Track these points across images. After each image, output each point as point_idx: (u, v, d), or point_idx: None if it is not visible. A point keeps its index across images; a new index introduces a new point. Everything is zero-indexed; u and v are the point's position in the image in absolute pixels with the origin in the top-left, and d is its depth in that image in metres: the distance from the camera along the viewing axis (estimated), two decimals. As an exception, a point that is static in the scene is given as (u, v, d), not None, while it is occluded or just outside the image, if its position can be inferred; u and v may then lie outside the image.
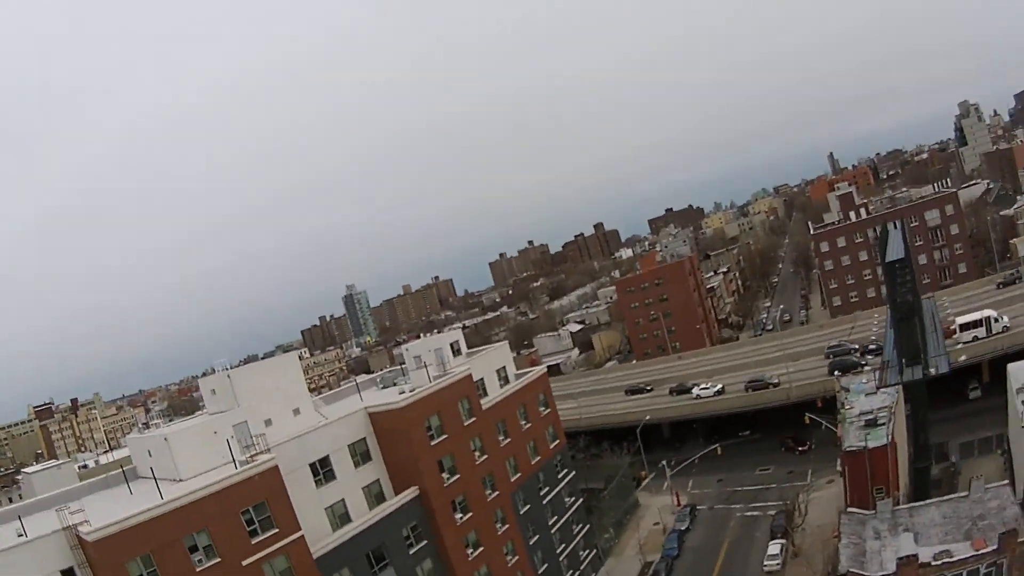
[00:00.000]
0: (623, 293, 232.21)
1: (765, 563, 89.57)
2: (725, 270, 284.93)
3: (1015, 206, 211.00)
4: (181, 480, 63.61)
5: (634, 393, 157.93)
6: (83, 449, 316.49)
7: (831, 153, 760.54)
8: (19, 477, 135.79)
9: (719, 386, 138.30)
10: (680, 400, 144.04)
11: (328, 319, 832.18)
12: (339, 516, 71.00)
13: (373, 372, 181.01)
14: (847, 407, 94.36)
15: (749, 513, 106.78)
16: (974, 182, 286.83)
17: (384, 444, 76.93)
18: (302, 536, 60.55)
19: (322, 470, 70.71)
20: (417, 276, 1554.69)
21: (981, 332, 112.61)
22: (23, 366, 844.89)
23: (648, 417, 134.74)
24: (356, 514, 71.96)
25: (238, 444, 64.90)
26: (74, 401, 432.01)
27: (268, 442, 64.82)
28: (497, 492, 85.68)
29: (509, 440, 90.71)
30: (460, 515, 79.17)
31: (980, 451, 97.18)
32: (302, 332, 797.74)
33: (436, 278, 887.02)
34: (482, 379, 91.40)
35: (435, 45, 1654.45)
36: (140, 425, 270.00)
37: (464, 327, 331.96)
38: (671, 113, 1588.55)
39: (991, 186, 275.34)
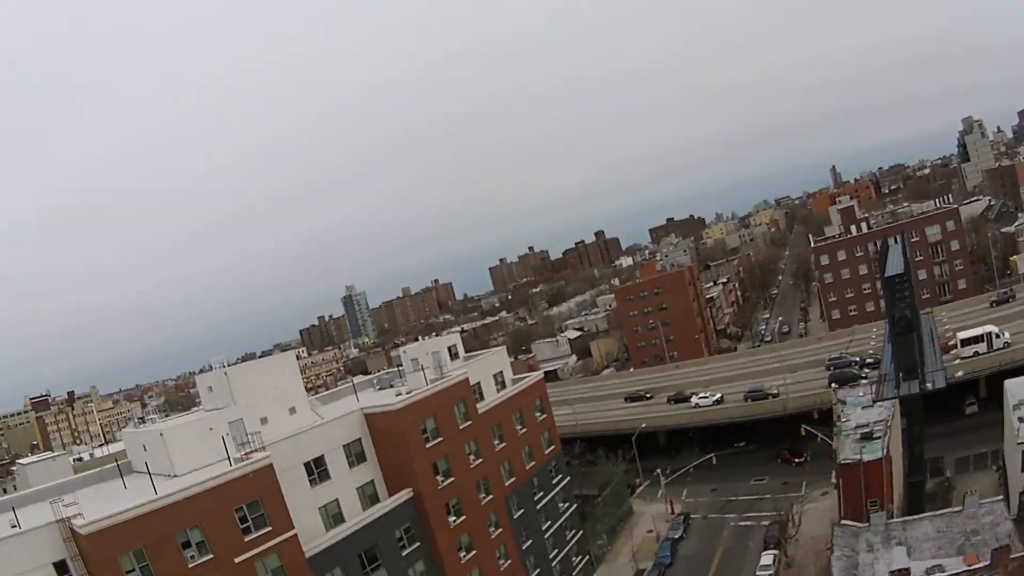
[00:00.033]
0: (622, 301, 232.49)
1: (758, 573, 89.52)
2: (725, 281, 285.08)
3: (1016, 223, 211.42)
4: (176, 476, 63.64)
5: (634, 400, 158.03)
6: (78, 442, 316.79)
7: (833, 166, 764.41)
8: (14, 468, 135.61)
9: (718, 395, 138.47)
10: (677, 408, 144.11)
11: (327, 319, 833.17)
12: (333, 516, 70.89)
13: (371, 373, 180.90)
14: (843, 420, 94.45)
15: (743, 523, 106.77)
16: (976, 198, 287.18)
17: (379, 445, 76.90)
18: (295, 535, 60.50)
19: (317, 470, 70.58)
20: (417, 279, 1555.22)
21: (982, 347, 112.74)
22: (21, 356, 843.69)
23: (644, 425, 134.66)
24: (350, 514, 71.83)
25: (233, 441, 64.90)
26: (71, 394, 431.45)
27: (263, 440, 64.82)
28: (491, 496, 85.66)
29: (504, 445, 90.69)
30: (454, 518, 79.11)
31: (975, 466, 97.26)
32: (300, 331, 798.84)
33: (436, 281, 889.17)
34: (479, 383, 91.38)
35: (435, 46, 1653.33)
36: (136, 420, 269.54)
37: (463, 331, 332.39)
38: (674, 121, 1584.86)
39: (993, 203, 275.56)
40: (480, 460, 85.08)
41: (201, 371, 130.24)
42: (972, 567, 58.31)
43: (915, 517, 70.99)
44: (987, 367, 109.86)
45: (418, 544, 74.85)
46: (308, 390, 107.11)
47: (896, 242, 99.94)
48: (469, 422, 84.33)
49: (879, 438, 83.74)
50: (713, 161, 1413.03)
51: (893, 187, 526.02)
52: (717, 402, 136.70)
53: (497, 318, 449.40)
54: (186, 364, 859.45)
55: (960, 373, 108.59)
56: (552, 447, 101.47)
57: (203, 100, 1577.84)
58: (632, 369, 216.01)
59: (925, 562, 61.51)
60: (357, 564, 68.37)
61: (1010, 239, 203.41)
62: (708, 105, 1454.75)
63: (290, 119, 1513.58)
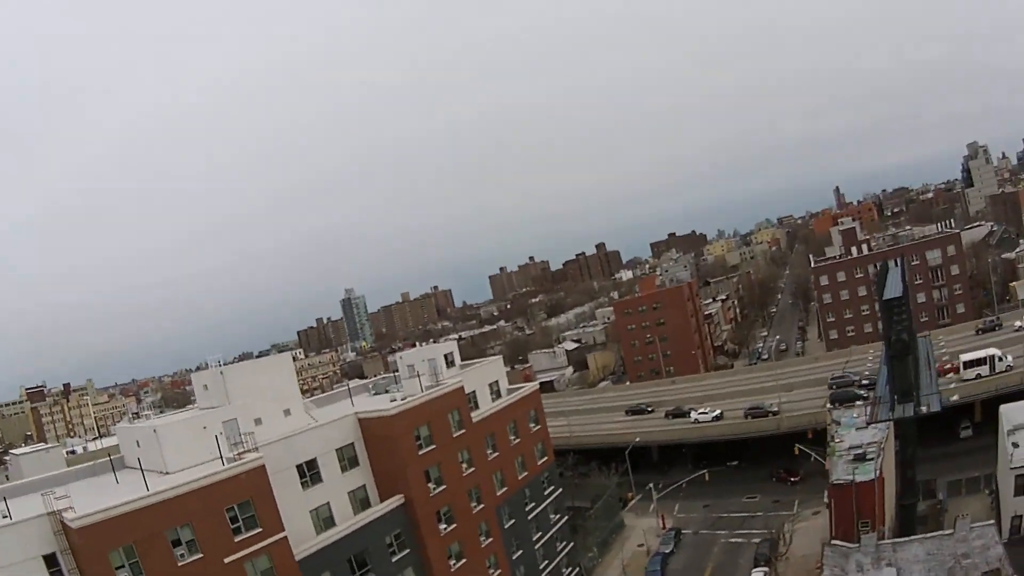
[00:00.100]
0: (621, 314, 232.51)
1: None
2: (724, 297, 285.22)
3: (1017, 250, 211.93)
4: (168, 473, 63.59)
5: (635, 413, 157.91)
6: (72, 434, 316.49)
7: (837, 187, 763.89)
8: (7, 458, 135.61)
9: (718, 411, 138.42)
10: (673, 423, 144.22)
11: (325, 321, 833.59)
12: (323, 519, 70.76)
13: (367, 378, 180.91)
14: (837, 440, 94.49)
15: (734, 539, 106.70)
16: (978, 224, 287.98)
17: (372, 450, 76.86)
18: (285, 537, 60.43)
19: (309, 472, 70.50)
20: (416, 284, 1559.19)
21: (984, 370, 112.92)
22: (19, 347, 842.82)
23: (638, 439, 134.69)
24: (341, 518, 71.75)
25: (227, 441, 64.88)
26: (66, 386, 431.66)
27: (257, 441, 64.71)
28: (483, 505, 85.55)
29: (497, 454, 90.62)
30: (444, 526, 79.02)
31: (968, 490, 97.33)
32: (298, 333, 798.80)
33: (435, 288, 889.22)
34: (474, 392, 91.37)
35: (436, 46, 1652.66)
36: (130, 415, 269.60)
37: (460, 338, 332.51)
38: (677, 136, 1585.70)
39: (994, 229, 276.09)
40: (473, 469, 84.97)
41: (198, 368, 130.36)
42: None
43: (906, 539, 71.04)
44: (983, 391, 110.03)
45: (408, 551, 74.70)
46: (304, 392, 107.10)
47: (896, 265, 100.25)
48: (463, 430, 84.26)
49: (872, 459, 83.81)
50: (717, 177, 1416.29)
51: (896, 210, 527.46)
52: (717, 418, 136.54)
53: (495, 327, 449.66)
54: (183, 361, 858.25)
55: (955, 397, 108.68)
56: (545, 458, 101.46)
57: (203, 100, 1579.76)
58: (628, 383, 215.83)
59: (914, 585, 61.59)
60: (347, 568, 68.23)
61: (1010, 265, 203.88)
62: (712, 118, 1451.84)
63: (290, 119, 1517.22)
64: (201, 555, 54.16)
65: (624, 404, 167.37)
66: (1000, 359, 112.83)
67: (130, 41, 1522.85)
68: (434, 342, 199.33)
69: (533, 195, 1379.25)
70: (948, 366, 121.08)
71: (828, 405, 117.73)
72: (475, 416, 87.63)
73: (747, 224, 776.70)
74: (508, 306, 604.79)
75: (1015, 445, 76.86)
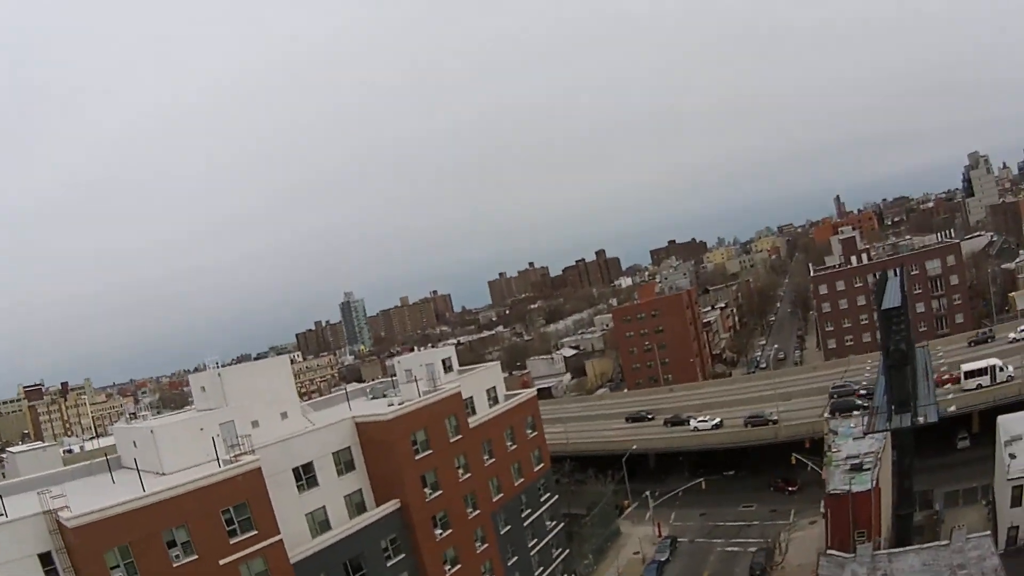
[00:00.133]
0: (619, 321, 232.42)
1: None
2: (723, 306, 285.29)
3: (1016, 260, 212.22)
4: (164, 474, 63.62)
5: (636, 420, 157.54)
6: (70, 433, 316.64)
7: (838, 196, 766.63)
8: (3, 456, 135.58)
9: (717, 419, 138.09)
10: (671, 431, 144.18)
11: (324, 324, 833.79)
12: (319, 523, 70.77)
13: (365, 381, 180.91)
14: (834, 450, 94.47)
15: (730, 548, 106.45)
16: (978, 234, 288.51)
17: (369, 455, 76.86)
18: (281, 540, 60.46)
19: (305, 476, 70.52)
20: (416, 287, 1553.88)
21: (985, 380, 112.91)
22: (19, 343, 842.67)
23: (635, 447, 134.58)
24: (336, 522, 71.77)
25: (223, 443, 64.88)
26: (64, 384, 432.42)
27: (253, 443, 64.74)
28: (478, 511, 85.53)
29: (494, 460, 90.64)
30: (440, 531, 79.00)
31: (965, 500, 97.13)
32: (297, 335, 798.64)
33: (434, 292, 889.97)
34: (471, 397, 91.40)
35: (437, 47, 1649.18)
36: (128, 415, 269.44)
37: (458, 343, 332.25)
38: (678, 143, 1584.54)
39: (994, 239, 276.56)
40: (469, 475, 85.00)
41: (196, 370, 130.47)
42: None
43: (902, 550, 70.99)
44: (981, 402, 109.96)
45: (403, 555, 74.70)
46: (301, 395, 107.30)
47: (895, 275, 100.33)
48: (460, 436, 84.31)
49: (869, 469, 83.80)
50: (718, 185, 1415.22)
51: (896, 219, 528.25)
52: (716, 426, 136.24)
53: (494, 332, 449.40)
54: (182, 362, 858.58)
55: (952, 408, 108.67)
56: (542, 465, 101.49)
57: (203, 100, 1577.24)
58: (626, 390, 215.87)
59: (909, 595, 61.55)
60: (342, 572, 68.24)
61: (1010, 275, 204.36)
62: (713, 125, 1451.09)
63: (290, 119, 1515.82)
64: (196, 556, 54.18)
65: (622, 411, 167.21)
66: (1001, 369, 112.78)
67: (129, 41, 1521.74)
68: (432, 347, 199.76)
69: (533, 200, 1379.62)
70: (947, 376, 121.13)
71: (826, 415, 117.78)
72: (472, 422, 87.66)
73: (747, 232, 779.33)
74: (507, 311, 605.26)
75: (1012, 456, 76.89)
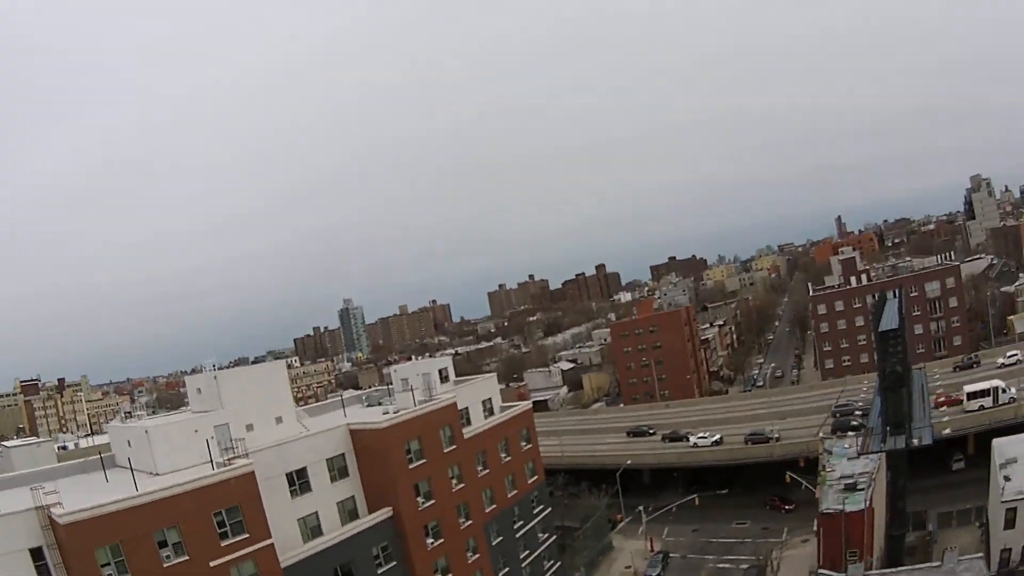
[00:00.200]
0: (617, 336, 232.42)
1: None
2: (721, 323, 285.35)
3: (1016, 283, 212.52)
4: (157, 474, 63.65)
5: (637, 435, 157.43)
6: (65, 430, 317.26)
7: (839, 216, 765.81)
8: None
9: (717, 436, 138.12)
10: (667, 447, 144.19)
11: (322, 330, 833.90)
12: (311, 528, 70.78)
13: (362, 389, 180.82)
14: (828, 469, 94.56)
15: (722, 565, 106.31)
16: (978, 256, 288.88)
17: (362, 462, 76.89)
18: (272, 544, 60.38)
19: (298, 481, 70.59)
20: (415, 296, 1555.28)
21: (988, 402, 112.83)
22: (17, 338, 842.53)
23: (629, 462, 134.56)
24: (328, 528, 71.76)
25: (218, 446, 64.90)
26: (61, 381, 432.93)
27: (247, 447, 64.82)
28: (471, 521, 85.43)
29: (488, 471, 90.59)
30: (432, 540, 78.92)
31: (959, 522, 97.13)
32: (295, 340, 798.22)
33: (433, 302, 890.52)
34: (467, 408, 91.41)
35: (438, 47, 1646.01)
36: (123, 414, 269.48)
37: (456, 354, 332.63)
38: (680, 158, 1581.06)
39: (994, 262, 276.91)
40: (462, 485, 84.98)
41: (193, 371, 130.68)
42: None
43: (893, 570, 71.00)
44: (976, 425, 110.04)
45: (394, 563, 74.58)
46: (298, 400, 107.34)
47: (894, 296, 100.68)
48: (454, 446, 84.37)
49: (863, 490, 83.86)
50: (720, 202, 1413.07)
51: (897, 240, 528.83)
52: (716, 443, 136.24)
53: (492, 344, 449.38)
54: (181, 362, 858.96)
55: (947, 431, 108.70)
56: (535, 477, 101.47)
57: (203, 100, 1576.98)
58: (622, 405, 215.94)
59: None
60: (332, 578, 68.31)
61: (1009, 298, 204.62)
62: (716, 140, 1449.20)
63: (290, 119, 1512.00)
64: (187, 557, 54.14)
65: (617, 426, 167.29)
66: (1003, 391, 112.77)
67: (129, 41, 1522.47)
68: (430, 356, 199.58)
69: (534, 209, 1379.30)
70: (942, 399, 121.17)
71: (821, 434, 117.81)
72: (467, 432, 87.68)
73: (748, 250, 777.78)
74: (505, 323, 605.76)
75: (1007, 479, 76.92)
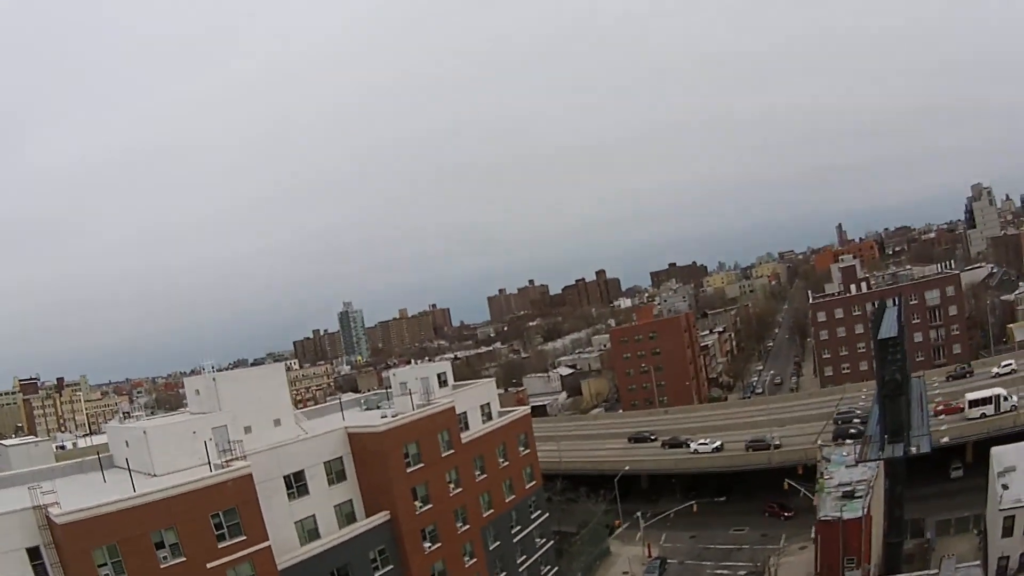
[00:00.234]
0: (617, 342, 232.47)
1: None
2: (721, 330, 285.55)
3: (1016, 292, 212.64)
4: (155, 475, 63.58)
5: (638, 441, 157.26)
6: (63, 429, 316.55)
7: (840, 224, 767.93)
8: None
9: (718, 443, 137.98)
10: (667, 453, 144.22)
11: (322, 333, 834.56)
12: (308, 531, 70.72)
13: (361, 392, 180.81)
14: (826, 477, 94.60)
15: (719, 571, 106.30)
16: (978, 265, 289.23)
17: (360, 465, 76.85)
18: (269, 546, 60.30)
19: (296, 484, 70.55)
20: (415, 298, 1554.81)
21: (989, 409, 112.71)
22: (16, 334, 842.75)
23: (627, 468, 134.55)
24: (326, 531, 71.68)
25: (215, 447, 64.80)
26: (60, 380, 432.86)
27: (245, 449, 64.79)
28: (468, 526, 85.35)
29: (485, 476, 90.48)
30: (429, 544, 78.84)
31: (957, 530, 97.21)
32: (294, 343, 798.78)
33: (433, 306, 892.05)
34: (465, 413, 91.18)
35: (436, 48, 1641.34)
36: (121, 414, 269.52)
37: (456, 358, 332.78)
38: (680, 161, 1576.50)
39: (995, 270, 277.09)
40: (460, 489, 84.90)
41: (192, 372, 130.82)
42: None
43: (890, 578, 71.13)
44: (975, 433, 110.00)
45: (391, 567, 74.48)
46: (296, 403, 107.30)
47: (893, 304, 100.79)
48: (452, 451, 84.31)
49: (860, 497, 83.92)
50: (719, 201, 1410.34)
51: (897, 248, 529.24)
52: (717, 449, 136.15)
53: (491, 348, 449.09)
54: (181, 362, 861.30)
55: (945, 439, 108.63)
56: (533, 482, 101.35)
57: (202, 100, 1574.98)
58: (621, 411, 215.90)
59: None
60: (329, 581, 68.25)
61: (1009, 307, 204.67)
62: (718, 143, 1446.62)
63: (290, 119, 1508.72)
64: (184, 559, 54.08)
65: (615, 432, 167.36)
66: (1005, 398, 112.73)
67: (128, 41, 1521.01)
68: (429, 360, 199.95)
69: (533, 212, 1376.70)
70: (941, 407, 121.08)
71: (819, 441, 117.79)
72: (465, 437, 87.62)
73: (748, 257, 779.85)
74: (505, 328, 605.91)
75: (1005, 487, 76.89)
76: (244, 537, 58.25)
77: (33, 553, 49.54)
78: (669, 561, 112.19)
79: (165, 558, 53.22)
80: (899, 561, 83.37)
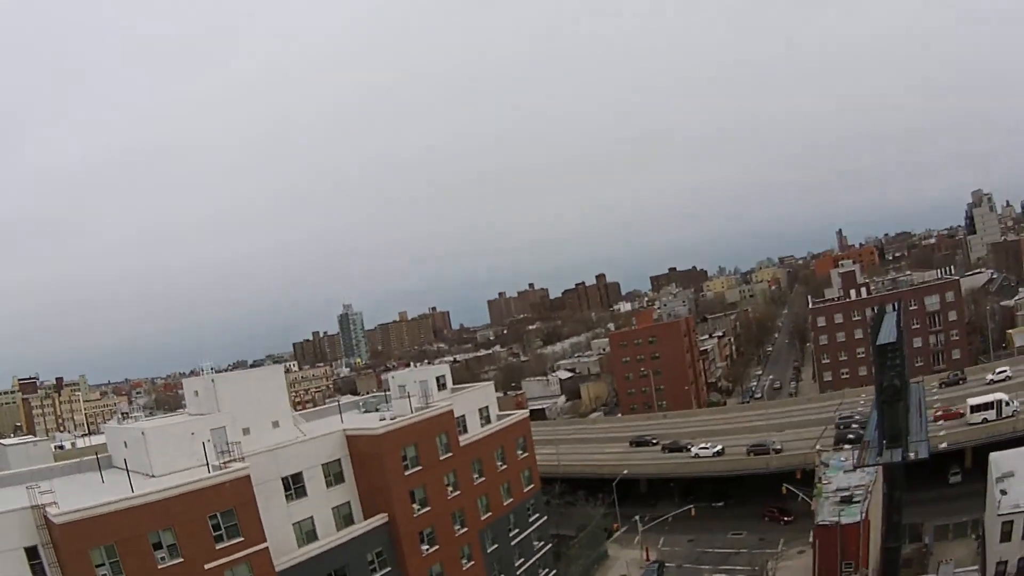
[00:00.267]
0: (616, 346, 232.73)
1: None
2: (720, 334, 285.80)
3: (1016, 297, 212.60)
4: (153, 476, 63.61)
5: (639, 445, 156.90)
6: (62, 429, 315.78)
7: (840, 230, 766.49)
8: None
9: (719, 447, 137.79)
10: (666, 457, 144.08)
11: (321, 335, 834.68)
12: (306, 533, 70.79)
13: (360, 394, 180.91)
14: (824, 482, 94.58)
15: (717, 575, 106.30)
16: (978, 271, 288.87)
17: (358, 468, 76.92)
18: (267, 548, 60.27)
19: (294, 486, 70.66)
20: (415, 301, 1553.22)
21: (991, 414, 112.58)
22: (17, 332, 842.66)
23: (626, 471, 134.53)
24: (323, 533, 71.76)
25: (214, 449, 64.84)
26: (59, 380, 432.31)
27: (243, 451, 64.83)
28: (466, 528, 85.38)
29: (483, 479, 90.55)
30: (427, 547, 78.84)
31: (955, 534, 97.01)
32: (294, 345, 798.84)
33: (433, 309, 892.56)
34: (463, 416, 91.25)
35: (440, 51, 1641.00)
36: (120, 415, 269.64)
37: (455, 361, 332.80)
38: (681, 168, 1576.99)
39: (995, 276, 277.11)
40: (458, 492, 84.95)
41: (191, 373, 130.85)
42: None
43: (887, 583, 71.12)
44: (974, 439, 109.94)
45: (388, 569, 74.51)
46: (295, 405, 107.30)
47: (893, 310, 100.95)
48: (450, 454, 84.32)
49: (859, 502, 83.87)
50: (720, 204, 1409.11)
51: (897, 254, 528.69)
52: (718, 453, 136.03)
53: (491, 351, 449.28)
54: (181, 362, 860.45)
55: (944, 445, 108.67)
56: (532, 485, 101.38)
57: (201, 100, 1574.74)
58: (620, 415, 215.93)
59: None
60: (326, 583, 68.26)
61: (1009, 313, 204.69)
62: (718, 154, 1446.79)
63: (290, 119, 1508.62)
64: (182, 560, 54.07)
65: (614, 436, 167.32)
66: (1007, 404, 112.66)
67: (128, 41, 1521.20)
68: (429, 363, 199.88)
69: (533, 209, 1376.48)
70: (940, 413, 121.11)
71: (818, 446, 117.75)
72: (463, 440, 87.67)
73: (748, 262, 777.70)
74: (505, 331, 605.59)
75: (1003, 492, 76.98)
76: (242, 538, 58.27)
77: (31, 553, 49.64)
78: (667, 565, 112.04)
79: (163, 559, 53.24)
80: (897, 566, 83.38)
